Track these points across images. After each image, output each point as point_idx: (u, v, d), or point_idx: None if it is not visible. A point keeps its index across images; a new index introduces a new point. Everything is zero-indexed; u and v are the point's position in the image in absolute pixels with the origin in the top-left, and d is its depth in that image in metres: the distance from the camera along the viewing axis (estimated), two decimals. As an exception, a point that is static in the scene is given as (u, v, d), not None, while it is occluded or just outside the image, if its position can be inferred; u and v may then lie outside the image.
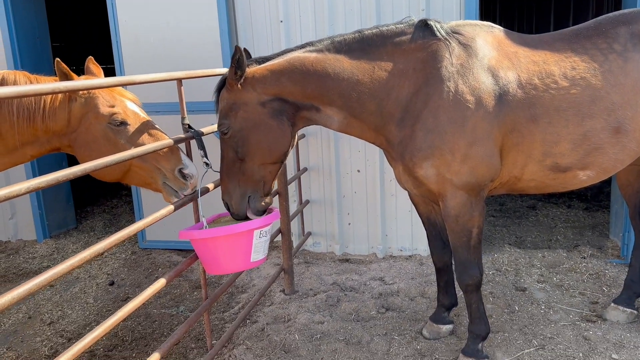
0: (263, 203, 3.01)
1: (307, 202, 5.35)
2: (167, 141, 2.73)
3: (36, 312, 4.64)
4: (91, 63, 3.18)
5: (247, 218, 3.04)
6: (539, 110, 2.93)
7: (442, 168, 2.92)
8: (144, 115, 3.08)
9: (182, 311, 4.51)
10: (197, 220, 3.17)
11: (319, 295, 4.44)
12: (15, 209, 6.30)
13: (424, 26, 3.00)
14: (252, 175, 2.95)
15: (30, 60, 5.95)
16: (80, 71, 3.37)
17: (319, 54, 2.95)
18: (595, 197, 6.83)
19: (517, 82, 2.94)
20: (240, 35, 5.23)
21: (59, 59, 2.80)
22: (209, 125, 5.43)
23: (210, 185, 3.23)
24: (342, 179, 5.25)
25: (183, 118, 3.06)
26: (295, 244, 5.12)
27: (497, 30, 3.14)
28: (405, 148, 2.96)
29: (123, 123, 2.94)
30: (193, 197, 3.03)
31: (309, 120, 3.03)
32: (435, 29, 2.97)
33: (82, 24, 9.32)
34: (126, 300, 4.78)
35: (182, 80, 3.02)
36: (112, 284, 5.09)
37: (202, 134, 3.13)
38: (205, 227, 2.94)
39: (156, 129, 3.05)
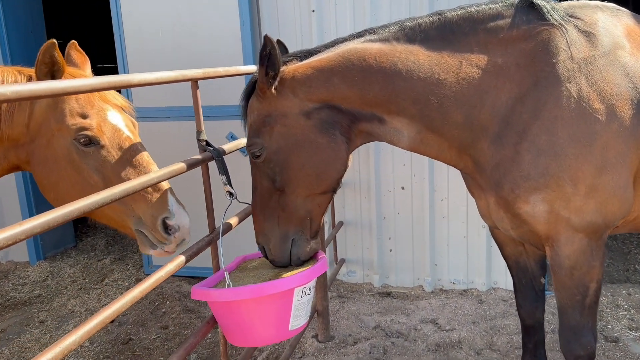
0: (308, 248, 2.23)
1: (341, 224, 4.54)
2: (149, 178, 1.83)
3: (21, 358, 3.88)
4: (73, 50, 2.37)
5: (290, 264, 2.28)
6: None
7: (558, 203, 2.11)
8: (128, 134, 2.21)
9: (194, 360, 3.72)
10: (216, 267, 2.38)
11: (360, 345, 3.63)
12: (5, 226, 5.54)
13: (528, 6, 2.18)
14: (296, 211, 2.17)
15: (22, 57, 5.19)
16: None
17: (384, 44, 2.15)
18: (666, 215, 5.95)
19: None
20: (265, 28, 4.43)
21: (54, 40, 2.02)
22: (224, 134, 4.65)
23: (233, 220, 2.44)
24: (383, 197, 4.44)
25: (199, 132, 2.26)
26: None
27: (624, 14, 2.31)
28: (504, 174, 2.14)
29: (93, 142, 2.10)
30: (211, 239, 2.24)
31: (369, 135, 2.24)
32: (544, 10, 2.16)
33: (84, 20, 8.57)
34: (128, 343, 4.01)
35: (199, 82, 2.22)
36: (112, 321, 4.30)
37: (224, 153, 2.34)
38: (228, 284, 2.14)
39: (142, 156, 2.20)
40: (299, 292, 2.12)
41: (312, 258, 2.35)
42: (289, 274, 2.23)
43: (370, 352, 3.53)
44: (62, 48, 2.39)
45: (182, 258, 2.01)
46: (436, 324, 3.88)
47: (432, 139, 2.18)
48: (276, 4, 4.37)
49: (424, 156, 2.32)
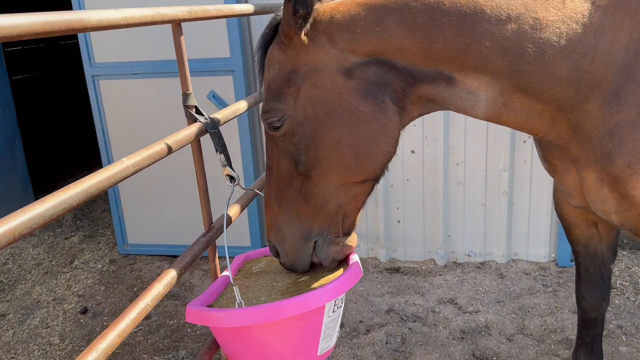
0: (339, 248, 1.70)
1: (342, 193, 4.02)
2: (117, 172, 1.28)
3: (-22, 362, 3.33)
4: None
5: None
6: None
7: None
8: None
9: (183, 357, 3.23)
10: (214, 274, 1.84)
11: (374, 333, 3.19)
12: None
13: None
14: (324, 204, 1.63)
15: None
16: None
17: None
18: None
19: None
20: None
21: None
22: (205, 93, 4.00)
23: (234, 210, 1.89)
24: (390, 163, 3.90)
25: (186, 95, 1.67)
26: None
27: None
28: (620, 144, 1.58)
29: None
30: (210, 239, 1.69)
31: (431, 102, 1.65)
32: None
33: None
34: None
35: (183, 24, 1.61)
36: (84, 311, 3.77)
37: (219, 123, 1.76)
38: (239, 302, 1.60)
39: None
40: (330, 307, 1.61)
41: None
42: (313, 281, 1.72)
43: (387, 343, 3.09)
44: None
45: (172, 273, 1.46)
46: (456, 304, 3.45)
47: (520, 102, 1.59)
48: None
49: (502, 126, 1.71)
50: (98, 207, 5.71)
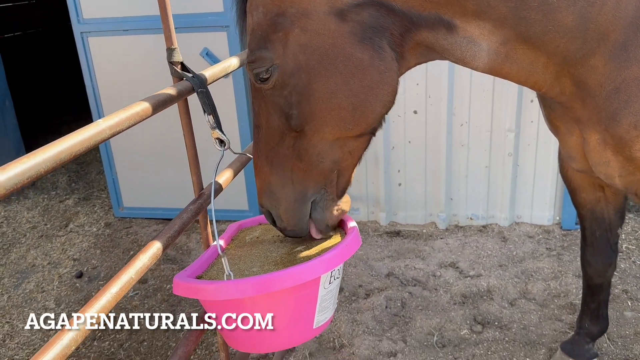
0: (336, 211, 1.59)
1: (342, 155, 3.90)
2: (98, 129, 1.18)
3: (-27, 326, 3.30)
4: None
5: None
6: None
7: None
8: None
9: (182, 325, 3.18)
10: (206, 243, 1.75)
11: (374, 298, 3.14)
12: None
13: None
14: (320, 160, 1.49)
15: None
16: None
17: None
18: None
19: None
20: None
21: None
22: (197, 51, 3.86)
23: (226, 175, 1.78)
24: (392, 124, 3.78)
25: (171, 50, 1.53)
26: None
27: None
28: (625, 104, 1.47)
29: None
30: (200, 207, 1.59)
31: (429, 50, 1.50)
32: None
33: None
34: (101, 303, 3.44)
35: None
36: (80, 275, 3.72)
37: (206, 81, 1.63)
38: (228, 274, 1.51)
39: None
40: (326, 278, 1.52)
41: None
42: (308, 251, 1.63)
43: (387, 307, 3.04)
44: None
45: (157, 245, 1.36)
46: (457, 268, 3.39)
47: (523, 54, 1.45)
48: None
49: (505, 80, 1.57)
50: (93, 169, 5.61)
